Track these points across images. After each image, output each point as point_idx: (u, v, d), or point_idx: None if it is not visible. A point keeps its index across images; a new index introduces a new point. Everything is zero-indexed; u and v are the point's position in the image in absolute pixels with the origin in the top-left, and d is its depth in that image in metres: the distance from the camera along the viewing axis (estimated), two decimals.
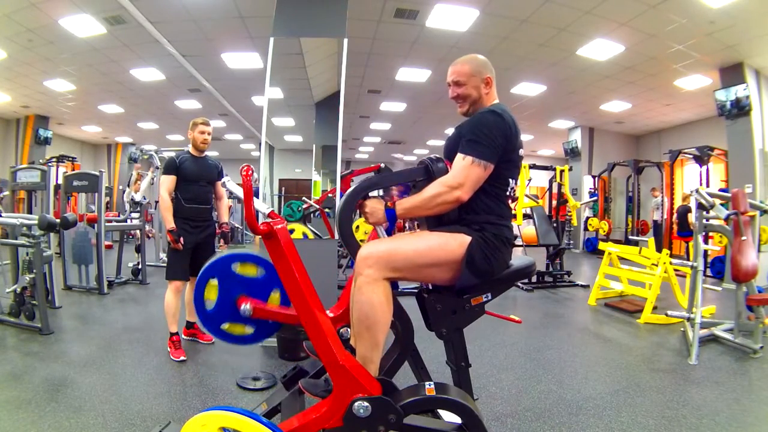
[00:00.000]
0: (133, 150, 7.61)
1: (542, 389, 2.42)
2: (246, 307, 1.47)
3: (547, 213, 6.60)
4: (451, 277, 1.38)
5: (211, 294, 1.52)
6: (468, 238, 1.38)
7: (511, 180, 1.49)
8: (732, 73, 6.17)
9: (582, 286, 5.60)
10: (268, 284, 1.55)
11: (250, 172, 1.26)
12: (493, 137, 1.38)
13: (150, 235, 6.73)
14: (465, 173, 1.35)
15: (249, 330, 1.56)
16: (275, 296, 1.58)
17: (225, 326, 1.53)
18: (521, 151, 1.52)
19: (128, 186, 6.70)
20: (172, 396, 2.22)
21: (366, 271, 1.29)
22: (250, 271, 1.55)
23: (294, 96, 4.37)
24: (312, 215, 4.48)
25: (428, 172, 1.43)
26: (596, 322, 4.02)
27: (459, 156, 1.39)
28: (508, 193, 1.50)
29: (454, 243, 1.37)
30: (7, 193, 7.40)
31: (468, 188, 1.36)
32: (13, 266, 3.70)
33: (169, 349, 2.81)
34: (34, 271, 3.33)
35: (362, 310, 1.29)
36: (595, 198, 9.80)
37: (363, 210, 1.43)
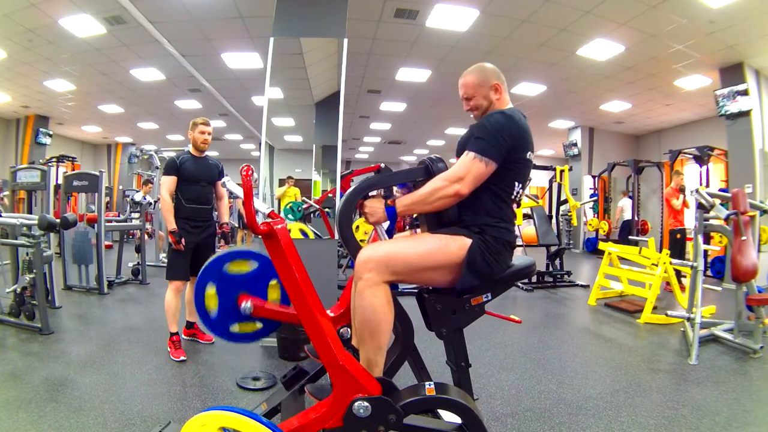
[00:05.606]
0: (133, 150, 7.61)
1: (542, 389, 2.42)
2: (246, 305, 1.46)
3: (547, 213, 6.60)
4: (451, 279, 1.37)
5: (212, 302, 1.53)
6: (468, 241, 1.37)
7: (516, 183, 1.45)
8: (732, 73, 6.16)
9: (582, 286, 5.60)
10: (264, 276, 1.54)
11: (250, 172, 1.27)
12: (498, 136, 1.38)
13: (152, 234, 6.74)
14: (466, 167, 1.36)
15: (258, 325, 1.56)
16: (274, 291, 1.57)
17: (235, 328, 1.53)
18: (530, 155, 1.47)
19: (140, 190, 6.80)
20: (172, 396, 2.22)
21: (366, 275, 1.29)
22: (243, 267, 1.54)
23: (294, 96, 4.37)
24: (312, 215, 4.48)
25: (428, 171, 1.42)
26: (596, 322, 4.02)
27: (464, 153, 1.40)
28: (513, 197, 1.47)
29: (454, 246, 1.36)
30: (7, 193, 7.40)
31: (468, 182, 1.35)
32: (13, 266, 3.70)
33: (169, 349, 2.81)
34: (34, 271, 3.33)
35: (364, 315, 1.29)
36: (595, 198, 9.80)
37: (363, 210, 1.43)
